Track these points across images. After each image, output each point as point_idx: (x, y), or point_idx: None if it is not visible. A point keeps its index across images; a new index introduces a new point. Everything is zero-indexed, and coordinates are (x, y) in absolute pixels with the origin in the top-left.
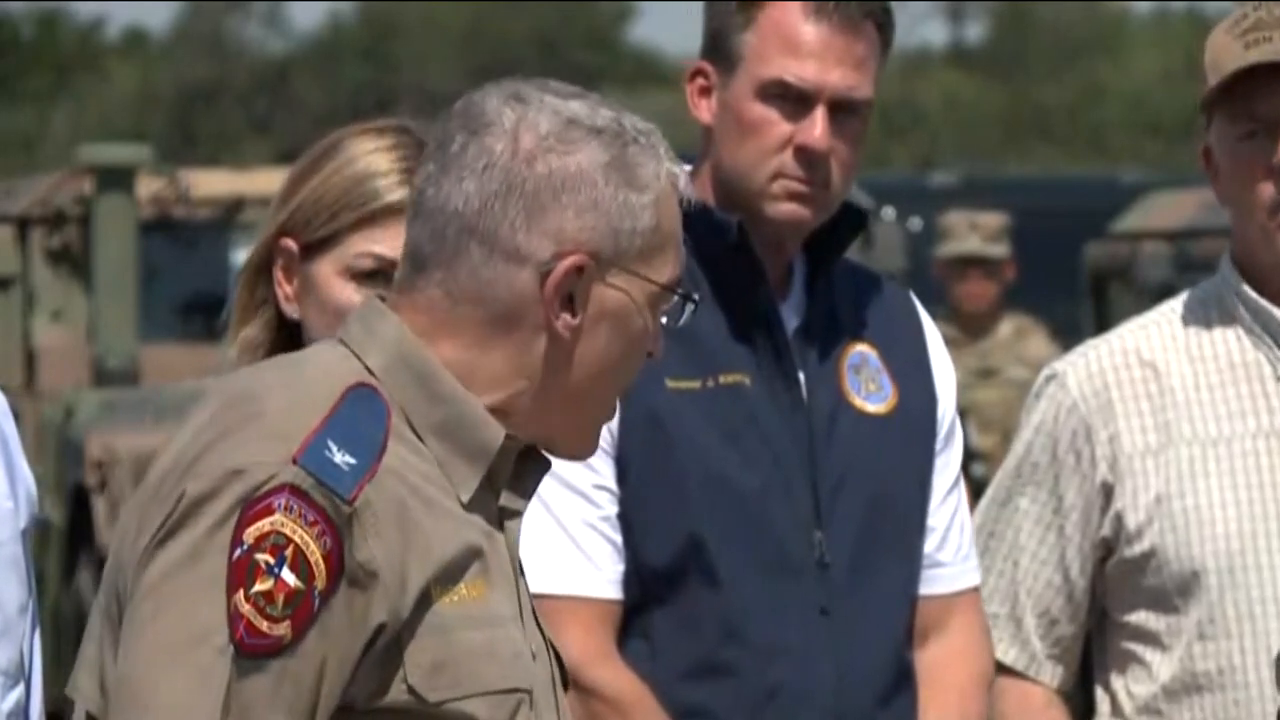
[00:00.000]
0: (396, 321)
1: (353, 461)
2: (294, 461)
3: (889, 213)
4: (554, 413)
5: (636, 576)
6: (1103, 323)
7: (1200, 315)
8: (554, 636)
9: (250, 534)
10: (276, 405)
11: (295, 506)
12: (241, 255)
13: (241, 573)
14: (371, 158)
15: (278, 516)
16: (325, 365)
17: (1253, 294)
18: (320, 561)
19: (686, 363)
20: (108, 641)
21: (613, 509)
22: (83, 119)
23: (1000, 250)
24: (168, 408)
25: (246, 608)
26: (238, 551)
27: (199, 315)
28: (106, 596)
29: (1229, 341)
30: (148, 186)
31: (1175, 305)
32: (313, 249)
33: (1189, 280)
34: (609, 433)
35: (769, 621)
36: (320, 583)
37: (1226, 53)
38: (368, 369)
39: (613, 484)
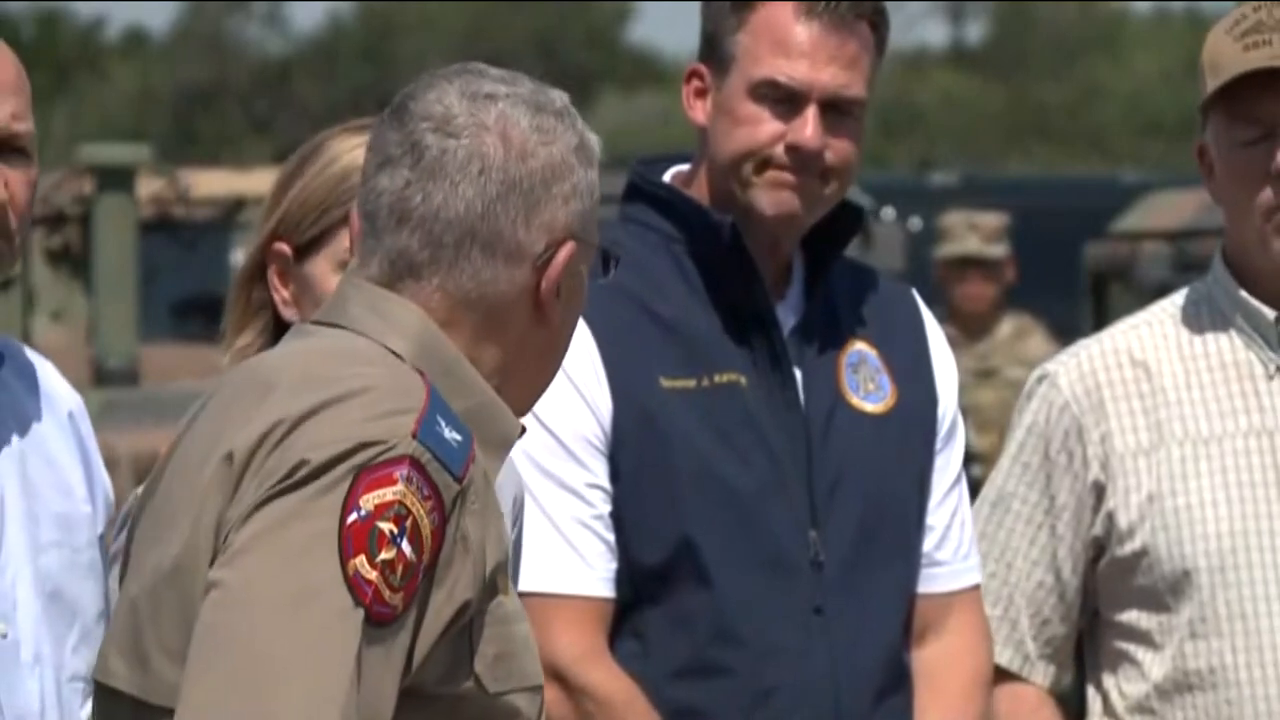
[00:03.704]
0: (419, 311)
1: (459, 439)
2: (413, 436)
3: (889, 213)
4: (525, 388)
5: (629, 575)
6: (1102, 323)
7: (1192, 315)
8: (545, 634)
9: (369, 501)
10: (381, 383)
11: (414, 479)
12: (241, 255)
13: (362, 539)
14: (355, 154)
15: (400, 487)
16: (371, 349)
17: (1244, 294)
18: (429, 537)
19: (681, 362)
20: (155, 620)
21: (605, 507)
22: (83, 119)
23: (999, 250)
24: (168, 408)
25: (374, 574)
26: (353, 516)
27: (199, 315)
28: (151, 579)
29: (1220, 341)
30: (148, 186)
31: (1167, 305)
32: (306, 249)
33: (1188, 280)
34: (602, 430)
35: (762, 621)
36: (426, 558)
37: (1226, 55)
38: (397, 356)
39: (605, 482)
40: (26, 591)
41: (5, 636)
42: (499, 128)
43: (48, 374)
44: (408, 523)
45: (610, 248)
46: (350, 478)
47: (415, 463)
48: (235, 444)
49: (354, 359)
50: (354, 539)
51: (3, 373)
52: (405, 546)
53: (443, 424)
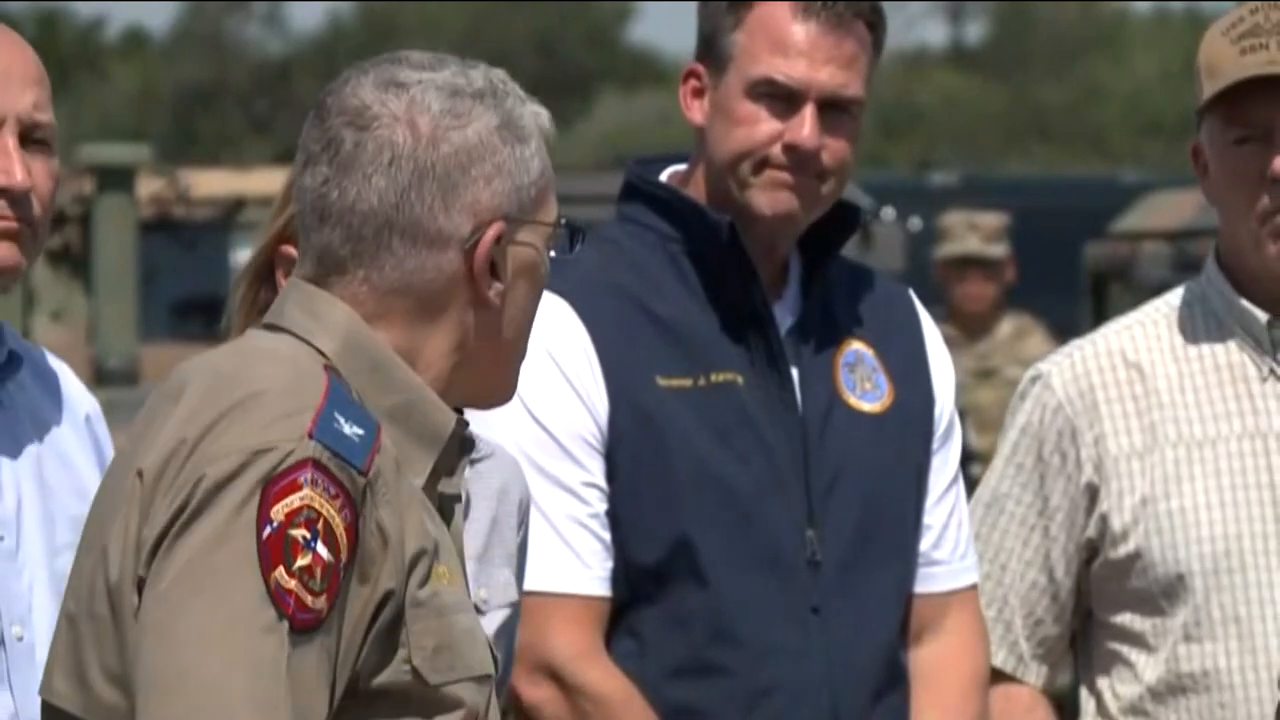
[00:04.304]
0: (346, 309)
1: (360, 432)
2: (309, 436)
3: (889, 213)
4: (485, 373)
5: (625, 574)
6: (1102, 323)
7: (1185, 316)
8: (541, 633)
9: (279, 511)
10: (275, 385)
11: (319, 480)
12: (241, 255)
13: (277, 550)
14: None
15: (306, 491)
16: (289, 349)
17: (1237, 296)
18: (343, 534)
19: (678, 361)
20: (93, 641)
21: (602, 506)
22: (83, 119)
23: (999, 250)
24: None
25: (293, 584)
26: (267, 530)
27: (198, 315)
28: (87, 597)
29: (1213, 343)
30: (148, 186)
31: (1160, 306)
32: None
33: (1188, 281)
34: (598, 429)
35: (759, 620)
36: (344, 555)
37: (1222, 58)
38: (320, 353)
39: (602, 481)
40: (43, 594)
41: (21, 639)
42: (408, 116)
43: (66, 377)
44: (319, 525)
45: (576, 223)
46: (258, 492)
47: (316, 464)
48: (145, 462)
49: (260, 359)
50: (270, 551)
51: (21, 375)
52: (320, 549)
53: (341, 420)
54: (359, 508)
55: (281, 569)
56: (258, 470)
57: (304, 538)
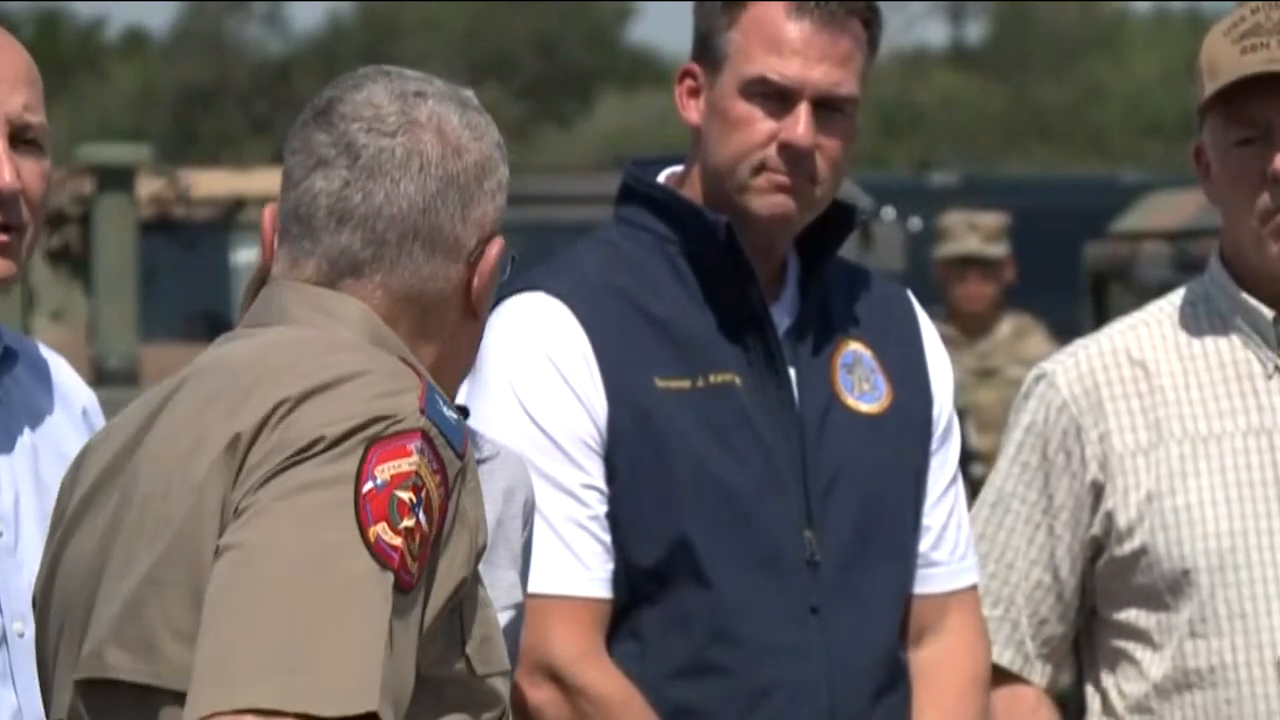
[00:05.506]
0: (361, 304)
1: (456, 417)
2: (422, 412)
3: (889, 213)
4: (450, 382)
5: (626, 576)
6: (1102, 323)
7: (1190, 314)
8: (542, 635)
9: (385, 471)
10: (376, 366)
11: (426, 452)
12: (242, 255)
13: (381, 507)
14: None
15: (415, 458)
16: (343, 337)
17: (1242, 293)
18: (439, 509)
19: (676, 362)
20: (161, 606)
21: (601, 508)
22: (83, 119)
23: (999, 250)
24: None
25: (398, 540)
26: (369, 485)
27: (199, 316)
28: (149, 570)
29: (1218, 340)
30: (148, 186)
31: (1164, 304)
32: None
33: (1189, 281)
34: (597, 431)
35: (759, 620)
36: (434, 531)
37: (1223, 57)
38: None
39: (601, 483)
40: None
41: (23, 635)
42: (433, 124)
43: (61, 371)
44: (423, 493)
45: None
46: (361, 448)
47: (425, 436)
48: (240, 428)
49: (332, 347)
50: (373, 507)
51: (17, 370)
52: (422, 517)
53: (441, 402)
54: (451, 489)
55: (385, 524)
56: (370, 432)
57: (411, 501)
